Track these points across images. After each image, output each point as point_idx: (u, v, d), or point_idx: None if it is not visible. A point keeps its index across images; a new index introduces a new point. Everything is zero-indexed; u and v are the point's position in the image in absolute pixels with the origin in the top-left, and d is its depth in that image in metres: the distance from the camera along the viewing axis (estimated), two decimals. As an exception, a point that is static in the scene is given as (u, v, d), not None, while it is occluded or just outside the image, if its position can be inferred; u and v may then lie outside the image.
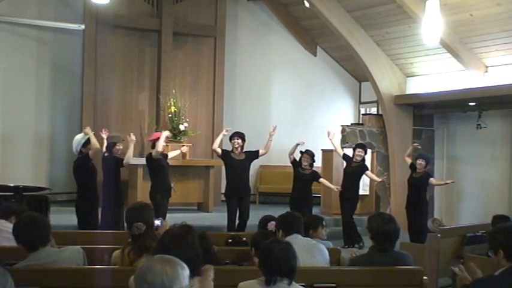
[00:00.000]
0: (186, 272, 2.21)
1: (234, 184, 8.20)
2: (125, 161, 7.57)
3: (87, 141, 7.29)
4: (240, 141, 8.19)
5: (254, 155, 8.33)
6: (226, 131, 8.41)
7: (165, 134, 8.05)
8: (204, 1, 11.59)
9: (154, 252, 3.04)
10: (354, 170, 9.10)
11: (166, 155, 8.28)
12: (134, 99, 11.20)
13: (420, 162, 8.72)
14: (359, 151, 9.11)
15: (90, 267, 3.86)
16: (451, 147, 11.34)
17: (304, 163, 8.54)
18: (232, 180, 8.22)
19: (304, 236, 4.59)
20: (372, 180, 9.87)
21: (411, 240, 8.24)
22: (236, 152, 8.22)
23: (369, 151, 10.83)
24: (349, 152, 9.73)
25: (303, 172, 8.57)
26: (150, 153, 7.98)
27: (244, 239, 5.10)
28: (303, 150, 8.68)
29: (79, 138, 7.41)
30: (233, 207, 8.20)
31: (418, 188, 8.73)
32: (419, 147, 9.61)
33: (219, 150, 8.20)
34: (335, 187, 8.91)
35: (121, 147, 7.67)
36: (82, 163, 7.28)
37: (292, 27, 12.81)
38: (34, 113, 10.86)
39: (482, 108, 10.02)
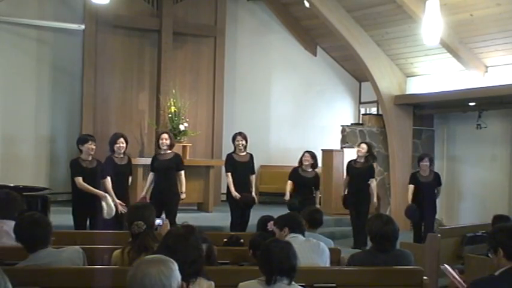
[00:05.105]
0: (176, 266, 2.22)
1: (237, 185, 8.09)
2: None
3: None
4: (243, 141, 8.16)
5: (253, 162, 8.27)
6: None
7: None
8: (204, 1, 11.58)
9: (158, 254, 3.02)
10: (361, 170, 8.80)
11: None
12: (134, 99, 11.19)
13: (425, 163, 8.40)
14: (360, 147, 8.94)
15: (90, 267, 3.86)
16: (451, 147, 11.33)
17: (306, 163, 8.28)
18: (236, 181, 8.10)
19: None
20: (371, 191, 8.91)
21: (415, 241, 8.22)
22: (239, 153, 8.18)
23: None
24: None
25: (303, 175, 8.30)
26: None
27: (241, 240, 5.09)
28: (305, 151, 8.49)
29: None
30: (236, 208, 8.12)
31: (431, 189, 8.49)
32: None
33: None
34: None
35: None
36: None
37: (292, 27, 12.80)
38: (34, 113, 10.85)
39: (482, 108, 10.01)
